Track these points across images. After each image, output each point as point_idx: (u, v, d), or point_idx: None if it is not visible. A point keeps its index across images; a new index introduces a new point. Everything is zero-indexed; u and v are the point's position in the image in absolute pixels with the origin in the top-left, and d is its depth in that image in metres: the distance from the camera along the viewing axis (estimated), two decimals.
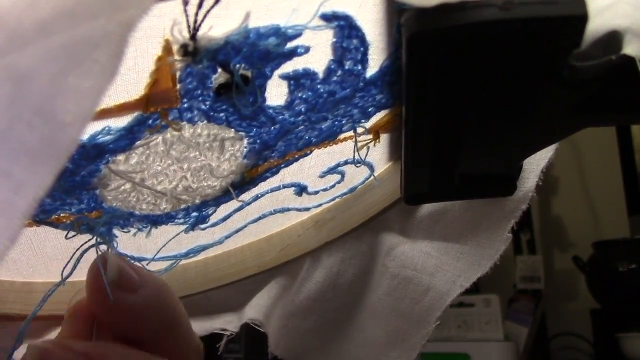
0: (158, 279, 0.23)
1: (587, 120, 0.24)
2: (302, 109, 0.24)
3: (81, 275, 0.30)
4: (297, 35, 0.20)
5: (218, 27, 0.18)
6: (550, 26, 0.19)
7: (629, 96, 0.23)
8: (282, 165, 0.29)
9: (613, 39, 0.20)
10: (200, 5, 0.17)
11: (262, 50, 0.19)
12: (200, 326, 0.39)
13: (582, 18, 0.18)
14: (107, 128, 0.20)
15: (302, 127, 0.25)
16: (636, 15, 0.20)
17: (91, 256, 0.24)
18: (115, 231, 0.26)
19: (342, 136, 0.28)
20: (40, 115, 0.11)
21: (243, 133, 0.23)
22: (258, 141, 0.24)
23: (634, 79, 0.21)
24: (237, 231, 0.33)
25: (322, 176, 0.32)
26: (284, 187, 0.31)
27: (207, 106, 0.21)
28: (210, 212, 0.29)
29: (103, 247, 0.24)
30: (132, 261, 0.29)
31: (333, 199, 0.35)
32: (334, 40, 0.22)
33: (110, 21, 0.11)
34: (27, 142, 0.11)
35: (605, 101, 0.23)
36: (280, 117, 0.24)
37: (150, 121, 0.20)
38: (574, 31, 0.19)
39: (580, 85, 0.21)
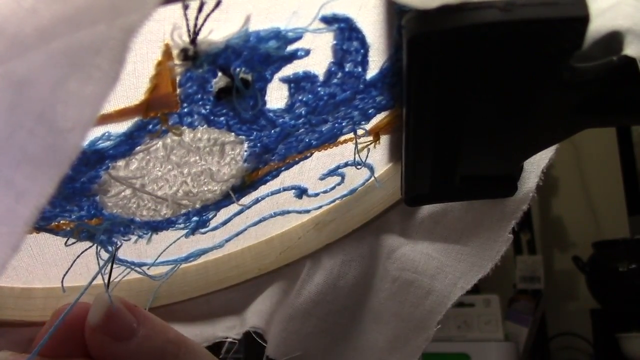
0: (161, 324, 0.23)
1: (588, 121, 0.24)
2: (303, 112, 0.24)
3: (82, 281, 0.30)
4: (298, 38, 0.20)
5: (218, 30, 0.18)
6: (551, 28, 0.19)
7: (630, 97, 0.23)
8: (283, 168, 0.28)
9: (614, 39, 0.20)
10: (200, 9, 0.17)
11: (263, 53, 0.19)
12: (202, 332, 0.39)
13: (584, 19, 0.18)
14: (107, 134, 0.20)
15: (302, 130, 0.25)
16: (637, 16, 0.20)
17: (92, 262, 0.24)
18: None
19: (342, 138, 0.28)
20: (41, 122, 0.11)
21: (243, 137, 0.23)
22: (258, 145, 0.24)
23: (635, 80, 0.21)
24: (237, 234, 0.33)
25: (322, 178, 0.32)
26: (284, 189, 0.31)
27: (208, 110, 0.21)
28: (210, 217, 0.29)
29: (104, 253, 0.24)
30: (133, 267, 0.29)
31: (333, 201, 0.34)
32: (334, 42, 0.22)
33: (112, 27, 0.11)
34: (29, 150, 0.11)
35: (606, 102, 0.23)
36: (281, 120, 0.23)
37: (150, 126, 0.20)
38: (576, 33, 0.19)
39: (581, 86, 0.21)
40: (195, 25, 0.17)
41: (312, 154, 0.29)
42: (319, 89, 0.23)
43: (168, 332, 0.23)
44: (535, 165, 0.30)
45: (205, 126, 0.22)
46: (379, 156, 0.32)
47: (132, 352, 0.21)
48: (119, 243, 0.26)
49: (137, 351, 0.21)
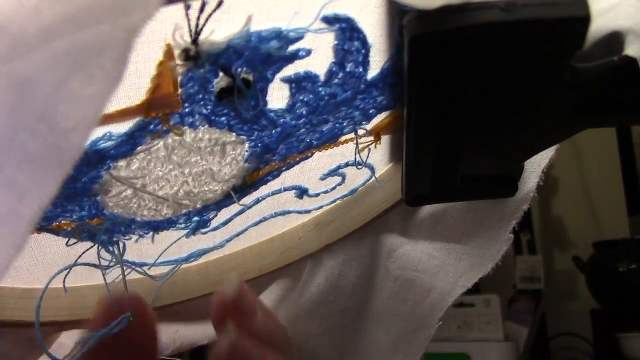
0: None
1: (589, 121, 0.24)
2: (304, 112, 0.24)
3: (83, 281, 0.30)
4: (299, 38, 0.20)
5: (219, 31, 0.18)
6: (552, 28, 0.19)
7: (631, 97, 0.23)
8: (284, 169, 0.28)
9: (615, 40, 0.20)
10: (201, 10, 0.17)
11: (264, 53, 0.19)
12: (204, 331, 0.39)
13: (585, 20, 0.18)
14: (108, 134, 0.20)
15: (303, 130, 0.25)
16: (638, 17, 0.20)
17: (93, 263, 0.24)
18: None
19: (343, 138, 0.28)
20: (43, 122, 0.11)
21: (244, 137, 0.23)
22: (259, 145, 0.24)
23: (636, 80, 0.21)
24: (238, 234, 0.33)
25: (323, 178, 0.32)
26: (285, 190, 0.31)
27: (209, 110, 0.21)
28: (211, 217, 0.29)
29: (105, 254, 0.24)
30: (134, 267, 0.29)
31: (334, 201, 0.34)
32: (336, 42, 0.22)
33: (115, 27, 0.11)
34: (31, 150, 0.11)
35: (607, 102, 0.23)
36: (282, 120, 0.23)
37: (151, 126, 0.20)
38: (577, 33, 0.19)
39: (582, 86, 0.21)
40: (197, 25, 0.17)
41: (312, 154, 0.29)
42: (320, 89, 0.23)
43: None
44: (536, 165, 0.30)
45: (206, 126, 0.22)
46: (379, 156, 0.32)
47: (258, 326, 0.22)
48: (121, 244, 0.26)
49: (261, 326, 0.23)
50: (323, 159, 0.30)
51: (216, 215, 0.29)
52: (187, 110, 0.20)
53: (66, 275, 0.25)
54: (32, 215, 0.11)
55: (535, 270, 1.39)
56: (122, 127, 0.20)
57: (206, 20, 0.17)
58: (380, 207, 0.34)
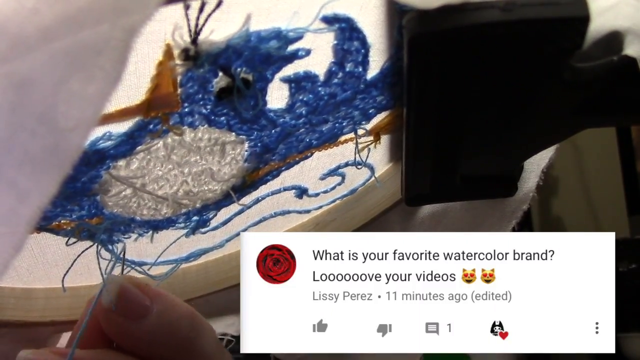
0: (172, 299, 0.23)
1: (588, 121, 0.24)
2: (303, 112, 0.24)
3: (82, 281, 0.30)
4: (298, 38, 0.20)
5: (219, 30, 0.18)
6: (552, 28, 0.19)
7: (630, 97, 0.23)
8: (283, 168, 0.28)
9: (614, 39, 0.21)
10: (201, 9, 0.17)
11: (264, 53, 0.19)
12: None
13: (584, 19, 0.18)
14: (107, 133, 0.20)
15: (303, 129, 0.25)
16: (637, 17, 0.20)
17: (93, 262, 0.24)
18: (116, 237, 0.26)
19: (342, 138, 0.28)
20: (43, 122, 0.11)
21: (244, 136, 0.23)
22: (259, 144, 0.24)
23: (635, 79, 0.21)
24: (238, 234, 0.33)
25: (322, 178, 0.32)
26: (285, 189, 0.31)
27: (208, 110, 0.21)
28: (211, 216, 0.29)
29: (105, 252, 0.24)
30: (133, 266, 0.29)
31: (334, 201, 0.34)
32: (335, 42, 0.22)
33: (114, 27, 0.11)
34: (31, 150, 0.11)
35: (606, 102, 0.23)
36: (281, 120, 0.23)
37: (151, 126, 0.20)
38: (576, 32, 0.19)
39: (582, 86, 0.21)
40: (197, 25, 0.17)
41: (312, 154, 0.29)
42: (319, 88, 0.23)
43: (181, 307, 0.23)
44: (536, 165, 0.30)
45: (206, 126, 0.22)
46: (379, 156, 0.32)
47: (148, 330, 0.21)
48: (121, 243, 0.26)
49: (152, 329, 0.22)
50: (323, 159, 0.30)
51: (216, 215, 0.29)
52: (186, 110, 0.20)
53: (65, 275, 0.25)
54: (31, 215, 0.11)
55: None
56: (121, 127, 0.20)
57: (206, 20, 0.17)
58: (380, 207, 0.34)
